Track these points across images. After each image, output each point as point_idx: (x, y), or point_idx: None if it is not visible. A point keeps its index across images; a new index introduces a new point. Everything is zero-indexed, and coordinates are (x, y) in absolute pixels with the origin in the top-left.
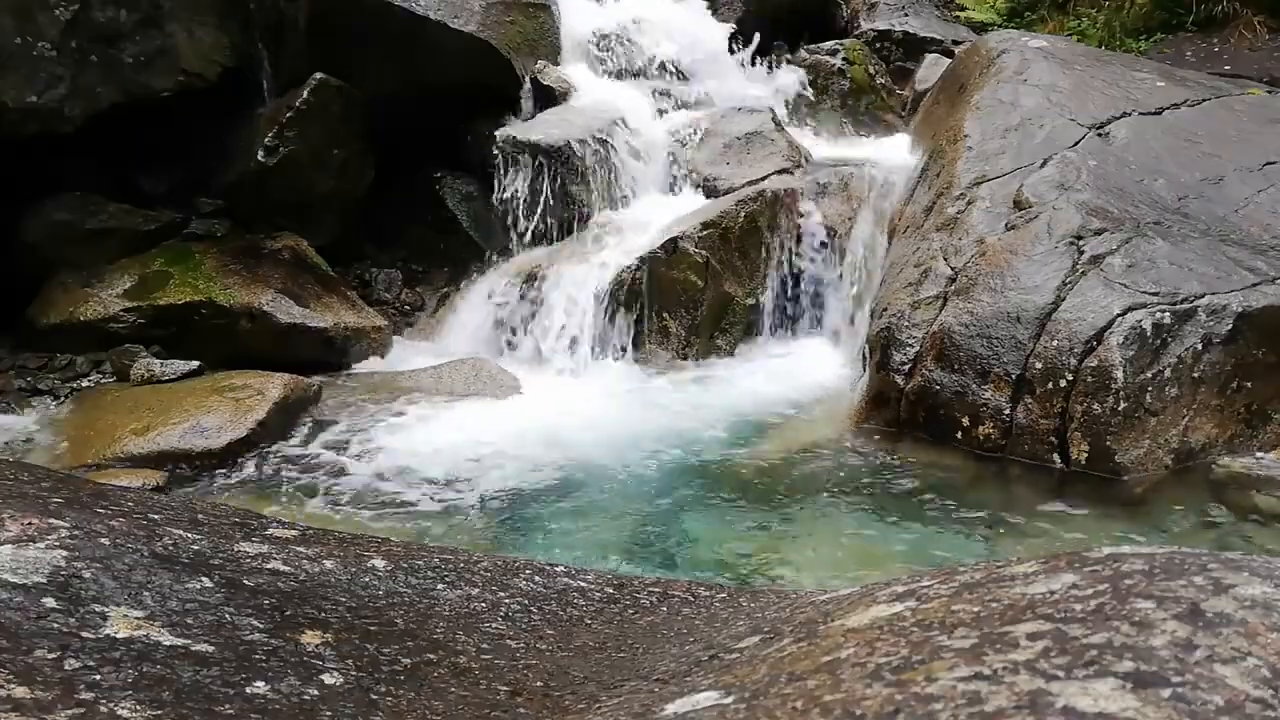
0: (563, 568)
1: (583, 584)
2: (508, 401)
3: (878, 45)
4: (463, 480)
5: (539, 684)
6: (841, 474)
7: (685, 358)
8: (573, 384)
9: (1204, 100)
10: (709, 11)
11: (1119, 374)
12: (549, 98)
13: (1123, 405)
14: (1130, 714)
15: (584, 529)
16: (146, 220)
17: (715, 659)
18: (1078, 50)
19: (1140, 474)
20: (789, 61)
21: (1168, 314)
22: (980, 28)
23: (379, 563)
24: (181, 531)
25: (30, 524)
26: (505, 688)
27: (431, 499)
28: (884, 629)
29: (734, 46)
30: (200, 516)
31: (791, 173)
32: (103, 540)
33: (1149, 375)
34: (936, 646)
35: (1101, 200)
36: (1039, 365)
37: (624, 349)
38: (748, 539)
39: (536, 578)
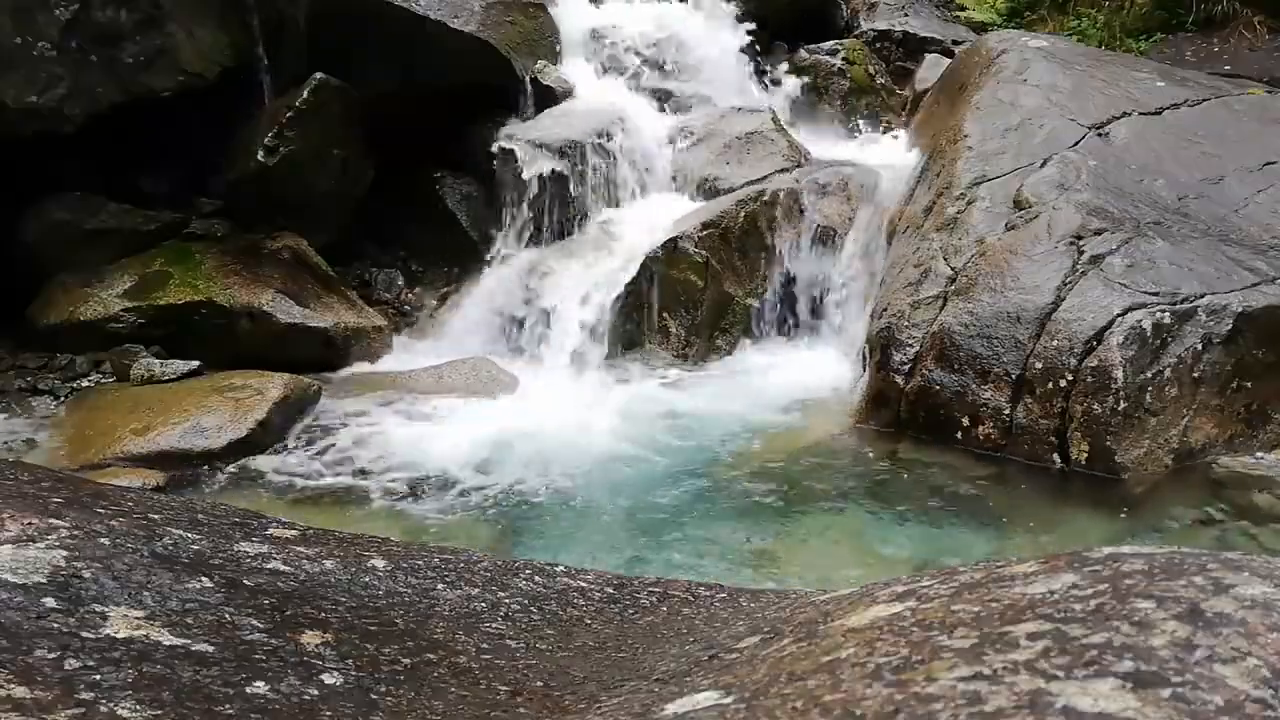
0: (563, 568)
1: (583, 584)
2: (507, 401)
3: (878, 45)
4: (463, 480)
5: (539, 684)
6: (841, 474)
7: (685, 358)
8: (572, 384)
9: (1204, 100)
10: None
11: (1119, 374)
12: (549, 98)
13: (1123, 405)
14: (1130, 714)
15: (584, 529)
16: (146, 220)
17: (715, 659)
18: (1078, 50)
19: (1140, 474)
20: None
21: (1168, 314)
22: (980, 28)
23: (379, 563)
24: (181, 531)
25: (30, 524)
26: (505, 687)
27: (432, 499)
28: (884, 629)
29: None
30: (200, 516)
31: (791, 173)
32: (103, 540)
33: (1149, 375)
34: (936, 646)
35: (1101, 200)
36: (1039, 365)
37: (624, 349)
38: (748, 538)
39: (536, 578)
